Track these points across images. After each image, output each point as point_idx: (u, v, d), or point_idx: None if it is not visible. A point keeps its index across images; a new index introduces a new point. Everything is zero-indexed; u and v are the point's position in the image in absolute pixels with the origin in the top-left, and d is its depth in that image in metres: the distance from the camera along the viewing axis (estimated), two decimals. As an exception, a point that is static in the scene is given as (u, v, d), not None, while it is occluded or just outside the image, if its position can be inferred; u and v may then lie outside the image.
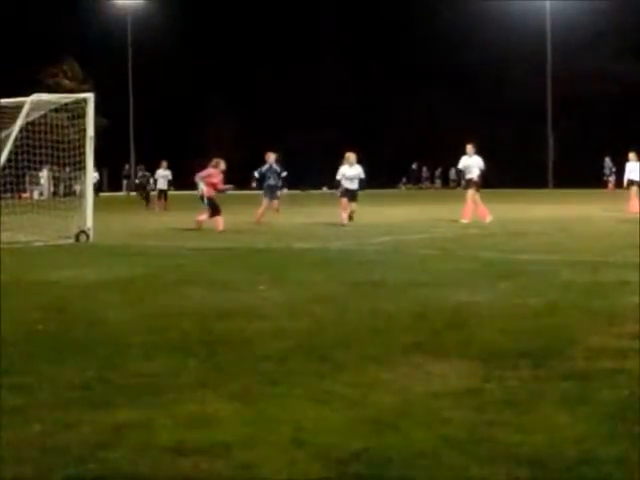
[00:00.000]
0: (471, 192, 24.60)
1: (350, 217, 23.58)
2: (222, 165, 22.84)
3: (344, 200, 23.52)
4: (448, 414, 5.17)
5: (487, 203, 24.61)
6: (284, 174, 25.51)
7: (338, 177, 23.76)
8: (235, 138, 74.24)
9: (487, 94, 74.82)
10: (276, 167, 24.99)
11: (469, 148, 25.24)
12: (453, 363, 6.45)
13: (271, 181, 24.78)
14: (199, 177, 22.57)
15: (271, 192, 24.75)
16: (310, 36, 78.56)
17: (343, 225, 22.71)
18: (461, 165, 25.36)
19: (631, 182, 31.30)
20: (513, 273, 11.91)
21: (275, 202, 24.96)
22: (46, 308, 9.28)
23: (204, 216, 22.11)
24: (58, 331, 7.93)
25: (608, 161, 50.88)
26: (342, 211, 23.57)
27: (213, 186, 22.39)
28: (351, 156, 23.79)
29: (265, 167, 24.95)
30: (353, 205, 23.68)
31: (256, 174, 24.99)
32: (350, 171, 23.59)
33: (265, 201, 24.62)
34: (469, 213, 24.24)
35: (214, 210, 21.94)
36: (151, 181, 41.20)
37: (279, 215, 25.11)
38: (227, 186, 23.23)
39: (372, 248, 16.93)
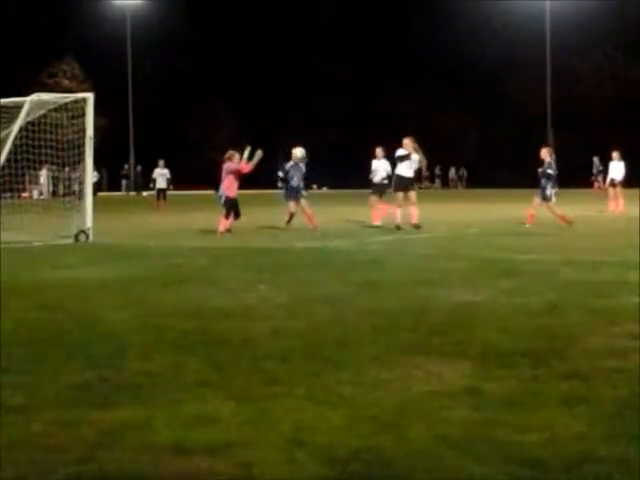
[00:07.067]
0: (374, 197, 24.10)
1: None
2: (237, 157, 21.54)
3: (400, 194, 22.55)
4: (448, 414, 5.17)
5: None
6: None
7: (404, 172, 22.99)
8: (234, 138, 74.21)
9: (487, 94, 74.89)
10: (302, 166, 22.60)
11: (378, 151, 24.81)
12: (453, 363, 6.45)
13: (294, 181, 22.34)
14: (228, 172, 21.31)
15: (296, 193, 22.28)
16: (310, 36, 78.62)
17: (399, 228, 21.38)
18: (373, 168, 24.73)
19: (613, 182, 31.19)
20: (513, 273, 11.90)
21: (301, 203, 22.37)
22: (46, 308, 9.27)
23: (225, 221, 20.98)
24: (58, 331, 7.92)
25: (596, 161, 50.91)
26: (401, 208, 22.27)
27: (238, 173, 21.31)
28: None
29: (289, 164, 22.58)
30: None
31: (280, 174, 22.68)
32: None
33: (292, 205, 22.20)
34: (379, 217, 23.53)
35: (230, 210, 21.00)
36: (103, 183, 41.57)
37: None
38: (251, 163, 21.45)
39: (372, 248, 16.93)
